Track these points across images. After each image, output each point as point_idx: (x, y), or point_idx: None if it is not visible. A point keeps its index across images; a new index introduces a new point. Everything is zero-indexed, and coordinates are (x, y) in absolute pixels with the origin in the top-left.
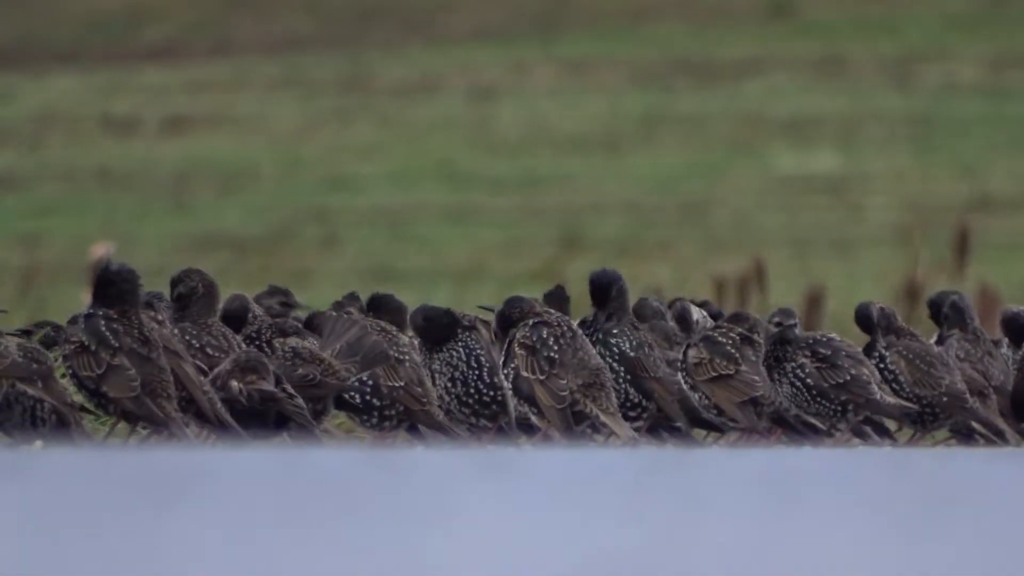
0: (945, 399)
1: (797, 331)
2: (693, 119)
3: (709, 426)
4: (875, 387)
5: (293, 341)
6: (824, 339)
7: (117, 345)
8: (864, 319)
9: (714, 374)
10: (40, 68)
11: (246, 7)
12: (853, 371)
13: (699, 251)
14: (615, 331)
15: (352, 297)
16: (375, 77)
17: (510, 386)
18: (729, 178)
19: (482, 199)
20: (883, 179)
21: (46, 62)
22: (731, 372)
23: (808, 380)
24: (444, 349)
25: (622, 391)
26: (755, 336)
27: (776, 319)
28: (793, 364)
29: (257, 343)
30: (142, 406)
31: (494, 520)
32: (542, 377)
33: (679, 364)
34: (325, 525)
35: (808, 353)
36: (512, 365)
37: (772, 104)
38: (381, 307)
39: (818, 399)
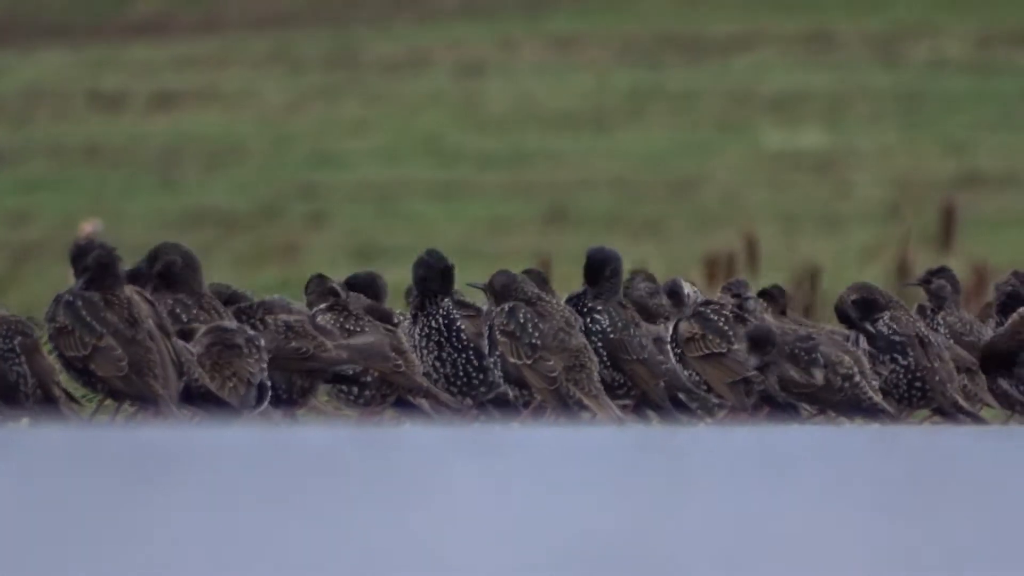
0: (937, 378)
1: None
2: (681, 95)
3: (690, 412)
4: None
5: (284, 316)
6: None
7: (102, 331)
8: (842, 316)
9: (706, 351)
10: (28, 43)
11: None
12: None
13: (687, 228)
14: (599, 309)
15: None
16: (363, 53)
17: (500, 373)
18: (717, 155)
19: (470, 175)
20: (871, 156)
21: (34, 37)
22: (723, 351)
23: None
24: (428, 326)
25: (607, 373)
26: (748, 316)
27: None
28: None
29: (251, 321)
30: (131, 384)
31: (481, 498)
32: (528, 362)
33: (670, 339)
34: (311, 503)
35: (787, 350)
36: (497, 353)
37: (760, 80)
38: (361, 288)
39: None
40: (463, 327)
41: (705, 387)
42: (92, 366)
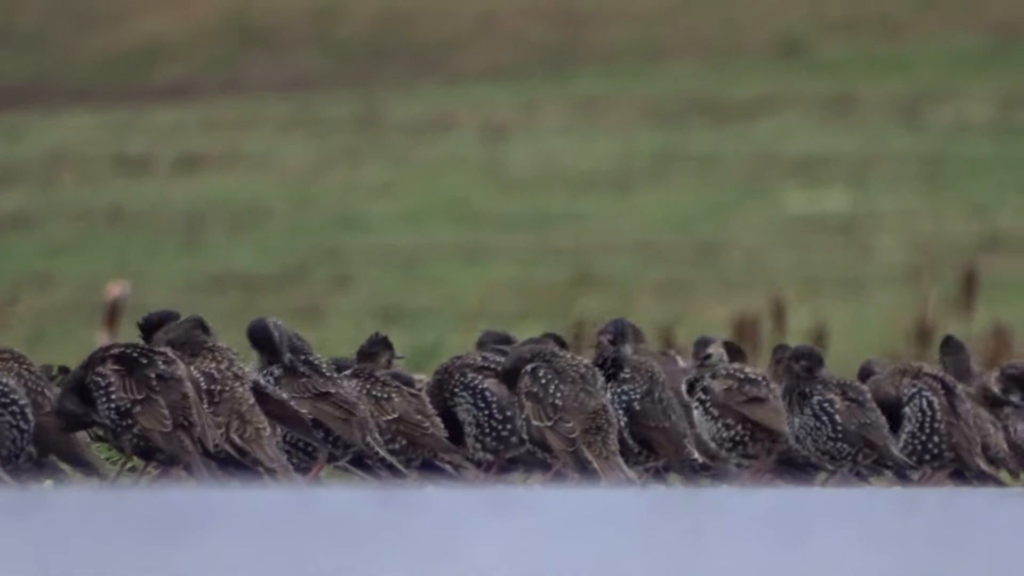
0: (958, 441)
1: (824, 369)
2: (705, 158)
3: (711, 473)
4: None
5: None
6: (851, 383)
7: (154, 375)
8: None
9: (751, 396)
10: (53, 107)
11: (258, 46)
12: (874, 416)
13: (711, 290)
14: (627, 376)
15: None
16: (387, 116)
17: (526, 435)
18: (741, 217)
19: (494, 238)
20: (893, 218)
21: (59, 101)
22: (765, 396)
23: (836, 417)
24: (453, 396)
25: (629, 441)
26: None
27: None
28: (821, 398)
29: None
30: (171, 442)
31: (502, 559)
32: (549, 424)
33: (695, 396)
34: (335, 565)
35: (839, 392)
36: (523, 416)
37: (783, 143)
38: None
39: (839, 438)
40: (491, 394)
41: (738, 440)
42: (139, 417)
